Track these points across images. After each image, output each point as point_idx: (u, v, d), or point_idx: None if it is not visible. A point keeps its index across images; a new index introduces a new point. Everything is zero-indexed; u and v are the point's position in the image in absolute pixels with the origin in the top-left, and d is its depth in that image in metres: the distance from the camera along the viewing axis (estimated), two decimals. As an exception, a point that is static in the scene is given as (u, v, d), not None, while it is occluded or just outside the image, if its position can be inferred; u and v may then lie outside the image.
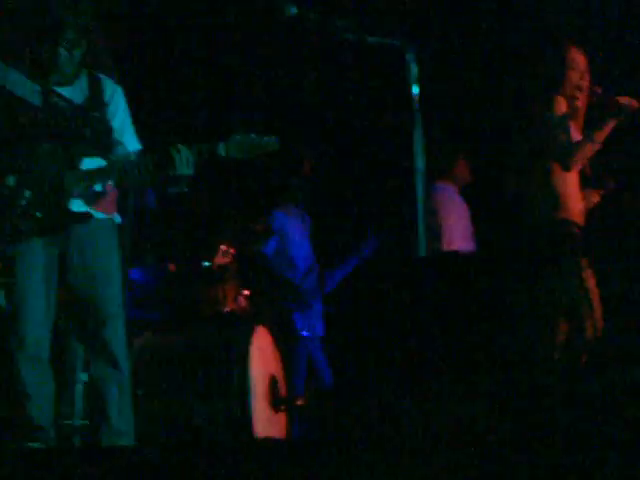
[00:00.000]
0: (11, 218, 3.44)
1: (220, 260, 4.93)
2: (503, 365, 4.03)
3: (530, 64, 4.72)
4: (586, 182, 4.52)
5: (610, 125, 4.31)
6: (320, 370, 5.29)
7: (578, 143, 4.36)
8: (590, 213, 4.53)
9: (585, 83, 4.46)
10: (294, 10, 3.42)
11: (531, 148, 4.48)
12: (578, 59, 4.48)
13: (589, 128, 4.41)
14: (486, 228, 5.39)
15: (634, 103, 4.28)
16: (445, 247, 5.09)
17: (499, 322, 4.22)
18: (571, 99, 4.47)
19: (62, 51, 3.47)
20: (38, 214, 3.45)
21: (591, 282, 4.29)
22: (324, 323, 5.37)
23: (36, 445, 3.41)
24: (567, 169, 4.37)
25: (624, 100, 4.28)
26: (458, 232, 5.05)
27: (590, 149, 4.33)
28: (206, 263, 4.80)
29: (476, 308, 4.21)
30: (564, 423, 2.60)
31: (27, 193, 3.45)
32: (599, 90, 4.43)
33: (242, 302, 5.00)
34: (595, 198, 4.63)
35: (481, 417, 2.87)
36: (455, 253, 4.95)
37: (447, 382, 3.57)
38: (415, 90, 3.40)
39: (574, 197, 4.42)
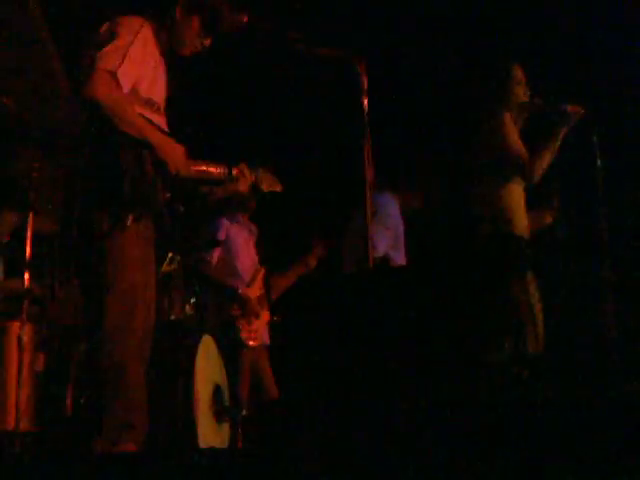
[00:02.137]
0: None
1: (166, 268, 4.61)
2: (447, 378, 3.98)
3: (477, 81, 4.80)
4: (536, 202, 4.63)
5: (563, 133, 4.45)
6: (265, 380, 5.31)
7: (538, 155, 4.48)
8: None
9: (526, 96, 4.59)
10: (244, 19, 3.48)
11: (479, 164, 4.56)
12: (520, 75, 4.62)
13: (539, 142, 4.51)
14: (438, 240, 5.50)
15: (580, 110, 4.41)
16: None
17: (445, 334, 4.23)
18: (518, 113, 4.59)
19: None
20: None
21: (535, 296, 4.35)
22: (270, 332, 5.38)
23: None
24: (531, 182, 4.50)
25: (572, 108, 4.41)
26: (385, 240, 5.00)
27: (549, 159, 4.47)
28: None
29: (421, 320, 4.20)
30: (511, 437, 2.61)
31: None
32: (539, 101, 4.57)
33: (187, 310, 4.90)
34: (547, 219, 4.79)
35: (425, 429, 2.83)
36: (395, 268, 4.95)
37: (393, 392, 3.58)
38: (364, 102, 3.42)
39: (519, 212, 4.49)
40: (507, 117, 4.55)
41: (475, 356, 3.93)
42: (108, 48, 3.29)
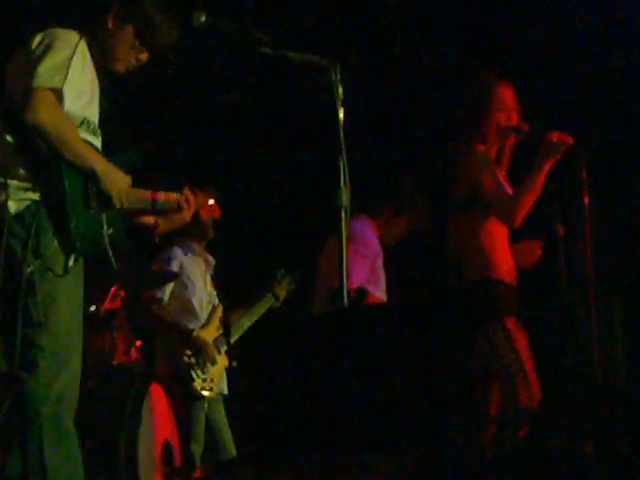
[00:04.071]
0: None
1: (109, 305, 4.80)
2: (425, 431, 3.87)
3: (453, 104, 4.58)
4: (525, 234, 4.37)
5: (547, 167, 4.09)
6: (220, 435, 5.12)
7: (518, 194, 4.16)
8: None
9: (513, 122, 4.26)
10: (202, 17, 3.29)
11: (458, 202, 4.30)
12: (504, 96, 4.28)
13: (524, 176, 4.20)
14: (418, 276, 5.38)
15: (568, 139, 4.05)
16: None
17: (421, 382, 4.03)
18: (499, 142, 4.30)
19: None
20: None
21: (521, 343, 4.11)
22: (227, 380, 5.19)
23: None
24: (513, 226, 4.18)
25: (556, 137, 4.06)
26: (361, 270, 4.84)
27: (532, 197, 4.12)
28: (92, 307, 4.63)
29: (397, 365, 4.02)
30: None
31: None
32: (526, 127, 4.22)
33: (133, 354, 4.81)
34: (537, 253, 4.47)
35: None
36: (368, 307, 4.80)
37: (359, 446, 3.50)
38: (340, 113, 3.24)
39: (501, 253, 4.26)
40: (480, 150, 4.26)
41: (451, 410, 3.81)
42: (47, 63, 3.18)
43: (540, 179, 4.09)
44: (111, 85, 3.56)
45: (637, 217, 5.42)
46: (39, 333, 3.20)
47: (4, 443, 3.49)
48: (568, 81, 5.51)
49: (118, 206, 3.37)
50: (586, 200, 4.15)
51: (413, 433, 3.69)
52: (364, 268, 4.83)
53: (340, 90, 3.23)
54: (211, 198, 4.30)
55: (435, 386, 3.85)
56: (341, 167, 3.18)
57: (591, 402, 3.81)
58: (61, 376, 3.22)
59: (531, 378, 4.06)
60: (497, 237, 4.24)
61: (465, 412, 3.91)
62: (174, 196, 3.72)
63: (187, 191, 3.74)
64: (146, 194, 3.65)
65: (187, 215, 3.79)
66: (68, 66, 3.24)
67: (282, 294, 5.36)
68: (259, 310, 5.32)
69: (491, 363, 4.11)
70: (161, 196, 3.66)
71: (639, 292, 5.32)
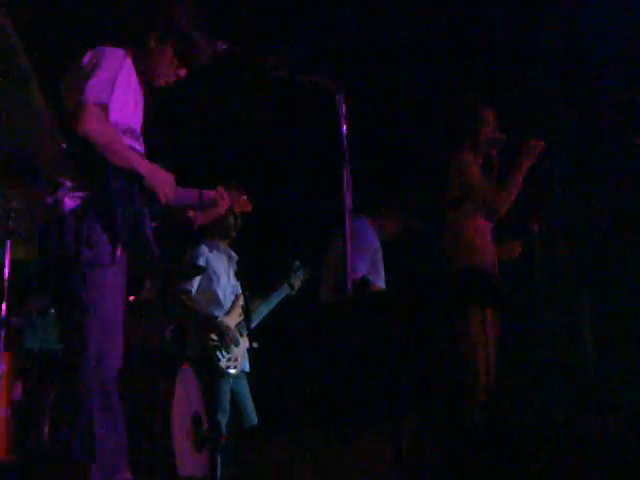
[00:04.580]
0: None
1: (145, 294, 4.94)
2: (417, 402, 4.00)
3: (446, 121, 4.96)
4: (506, 233, 4.77)
5: (526, 166, 4.59)
6: (244, 407, 5.29)
7: (502, 189, 4.63)
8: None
9: (495, 135, 4.76)
10: (223, 45, 3.53)
11: (446, 199, 4.71)
12: (490, 117, 4.78)
13: (505, 174, 4.65)
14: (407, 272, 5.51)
15: (541, 144, 4.57)
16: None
17: (412, 361, 4.25)
18: (487, 152, 4.76)
19: None
20: None
21: (490, 330, 4.36)
22: (249, 359, 5.36)
23: None
24: (498, 216, 4.63)
25: (533, 143, 4.57)
26: (363, 262, 5.04)
27: (514, 191, 4.59)
28: (131, 298, 4.73)
29: (393, 347, 4.24)
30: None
31: None
32: (503, 137, 4.74)
33: (166, 338, 4.96)
34: (517, 250, 4.91)
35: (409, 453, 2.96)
36: (372, 292, 4.93)
37: (368, 420, 3.61)
38: (343, 128, 3.47)
39: (485, 246, 4.63)
40: (471, 157, 4.71)
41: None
42: (96, 80, 3.31)
43: (520, 177, 4.59)
44: (156, 95, 3.65)
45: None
46: (88, 318, 3.31)
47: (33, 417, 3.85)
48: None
49: (163, 201, 3.48)
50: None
51: (410, 403, 3.68)
52: (365, 261, 5.02)
53: (343, 107, 3.47)
54: (242, 194, 4.52)
55: (425, 359, 3.93)
56: (345, 174, 3.41)
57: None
58: (108, 356, 3.33)
59: (491, 361, 4.38)
60: (483, 232, 4.65)
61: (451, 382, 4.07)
62: (214, 193, 3.80)
63: (221, 189, 3.84)
64: (192, 192, 3.77)
65: (222, 209, 3.85)
66: (114, 83, 3.35)
67: (297, 284, 5.57)
68: (276, 298, 5.53)
69: (462, 342, 4.35)
70: (209, 194, 3.77)
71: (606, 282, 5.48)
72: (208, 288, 5.34)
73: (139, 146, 3.54)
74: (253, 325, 5.26)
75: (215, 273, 5.36)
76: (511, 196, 4.62)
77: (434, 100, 5.84)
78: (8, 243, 4.44)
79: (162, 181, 3.49)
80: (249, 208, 4.22)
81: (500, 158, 4.82)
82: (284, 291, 5.58)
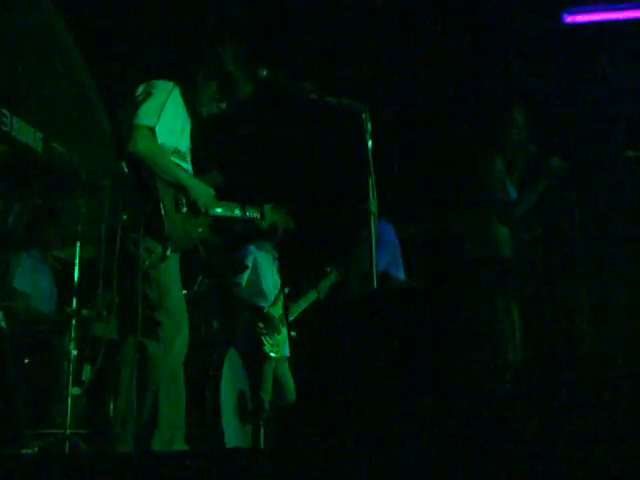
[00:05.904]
0: None
1: (199, 290, 5.34)
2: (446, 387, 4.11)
3: (474, 123, 5.05)
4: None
5: (543, 185, 4.55)
6: (286, 387, 5.57)
7: (516, 202, 4.62)
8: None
9: (522, 140, 4.70)
10: (264, 72, 3.79)
11: (472, 199, 4.80)
12: (518, 118, 4.72)
13: (525, 187, 4.65)
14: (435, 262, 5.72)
15: (567, 167, 4.51)
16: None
17: (443, 347, 4.44)
18: (511, 155, 4.74)
19: None
20: None
21: (515, 313, 4.58)
22: (289, 345, 5.67)
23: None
24: (508, 221, 4.66)
25: (556, 162, 4.50)
26: (385, 258, 5.30)
27: (525, 207, 4.61)
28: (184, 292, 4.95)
29: (421, 335, 4.42)
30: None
31: None
32: (533, 148, 4.66)
33: (215, 327, 5.33)
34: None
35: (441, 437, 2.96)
36: (395, 286, 5.26)
37: (398, 402, 3.56)
38: (369, 144, 3.74)
39: (504, 237, 4.75)
40: (497, 161, 4.68)
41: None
42: (146, 106, 3.58)
43: (536, 194, 4.59)
44: (201, 122, 3.85)
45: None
46: (157, 312, 3.54)
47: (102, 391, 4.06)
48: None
49: (203, 210, 3.69)
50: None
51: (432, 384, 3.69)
52: (387, 257, 5.29)
53: (369, 125, 3.75)
54: (287, 212, 4.54)
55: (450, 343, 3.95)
56: (370, 184, 3.67)
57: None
58: (175, 343, 3.56)
59: (517, 341, 4.51)
60: (498, 226, 4.72)
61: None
62: (267, 210, 4.07)
63: (266, 207, 4.11)
64: (235, 205, 3.99)
65: (264, 224, 4.14)
66: (162, 110, 3.58)
67: (323, 291, 5.85)
68: (305, 302, 5.83)
69: (490, 324, 4.50)
70: (251, 210, 4.01)
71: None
72: (255, 282, 5.67)
73: (186, 165, 3.76)
74: (293, 316, 5.69)
75: (261, 269, 5.68)
76: (523, 207, 4.63)
77: (454, 106, 6.01)
78: (78, 244, 4.71)
79: (202, 193, 3.73)
80: (293, 226, 4.51)
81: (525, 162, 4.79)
82: (311, 297, 5.84)
